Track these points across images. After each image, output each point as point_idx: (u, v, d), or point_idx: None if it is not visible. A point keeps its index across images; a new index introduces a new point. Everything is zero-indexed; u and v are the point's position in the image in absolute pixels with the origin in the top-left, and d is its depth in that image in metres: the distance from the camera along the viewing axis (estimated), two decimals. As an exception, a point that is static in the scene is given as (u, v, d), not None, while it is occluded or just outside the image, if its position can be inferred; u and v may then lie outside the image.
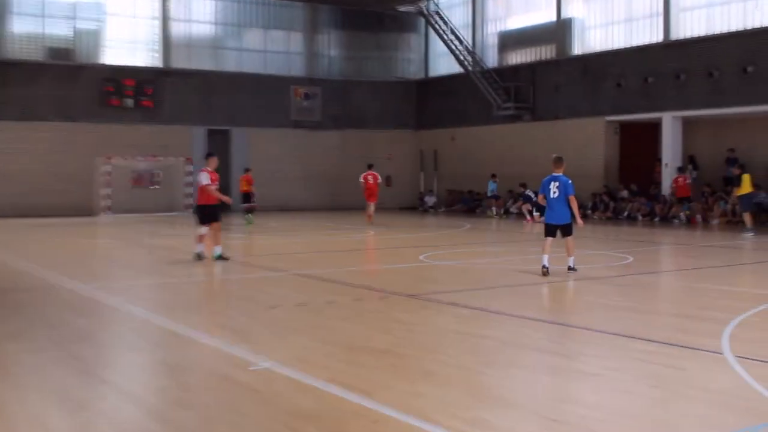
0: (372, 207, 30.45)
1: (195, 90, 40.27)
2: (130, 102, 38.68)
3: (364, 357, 8.37)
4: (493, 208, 36.94)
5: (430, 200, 42.30)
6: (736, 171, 26.36)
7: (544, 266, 15.20)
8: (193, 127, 40.03)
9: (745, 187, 25.66)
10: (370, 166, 31.82)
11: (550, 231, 15.61)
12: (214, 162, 18.07)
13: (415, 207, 43.01)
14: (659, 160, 34.32)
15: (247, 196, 30.99)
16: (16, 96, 36.92)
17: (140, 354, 8.92)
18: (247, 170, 31.67)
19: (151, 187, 38.71)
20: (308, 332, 9.77)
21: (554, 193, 15.32)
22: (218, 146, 40.86)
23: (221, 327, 10.26)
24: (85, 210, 37.09)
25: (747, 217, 25.63)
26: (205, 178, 17.78)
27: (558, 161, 15.48)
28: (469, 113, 41.37)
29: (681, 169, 31.90)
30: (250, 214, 30.74)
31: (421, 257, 18.50)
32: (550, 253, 15.33)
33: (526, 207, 33.20)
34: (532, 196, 31.85)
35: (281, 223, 31.25)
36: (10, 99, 36.91)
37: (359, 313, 11.17)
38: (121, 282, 14.88)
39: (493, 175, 37.37)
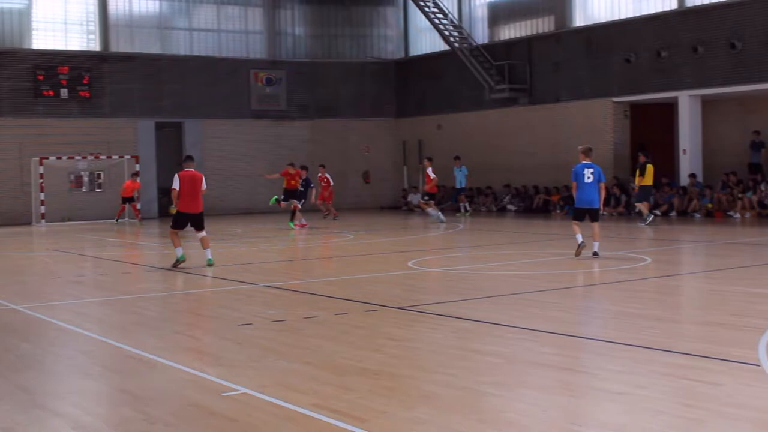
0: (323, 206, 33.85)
1: (139, 77, 40.19)
2: (64, 92, 38.55)
3: (353, 379, 8.44)
4: (462, 205, 37.03)
5: (416, 198, 42.45)
6: (641, 159, 28.50)
7: (581, 243, 18.19)
8: (139, 120, 39.95)
9: (648, 178, 28.17)
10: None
11: (580, 215, 18.56)
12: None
13: (398, 206, 43.15)
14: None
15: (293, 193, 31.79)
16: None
17: (97, 382, 8.95)
18: (304, 168, 33.21)
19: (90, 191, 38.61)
20: (288, 353, 9.84)
21: (588, 178, 18.23)
22: (169, 141, 40.84)
23: (187, 349, 10.31)
24: (14, 219, 36.94)
25: (644, 207, 28.47)
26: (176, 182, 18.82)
27: (589, 151, 18.49)
28: (457, 97, 41.54)
29: (429, 159, 33.64)
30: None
31: (409, 263, 18.61)
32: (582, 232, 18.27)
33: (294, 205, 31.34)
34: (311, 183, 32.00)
35: (245, 228, 31.26)
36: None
37: (344, 329, 11.24)
38: (67, 300, 14.88)
39: (458, 158, 37.34)
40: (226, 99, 41.90)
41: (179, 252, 18.76)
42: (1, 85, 37.71)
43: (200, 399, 7.87)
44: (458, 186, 37.00)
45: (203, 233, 19.06)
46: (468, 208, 36.76)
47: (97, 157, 38.25)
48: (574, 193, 18.66)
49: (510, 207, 37.73)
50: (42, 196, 37.09)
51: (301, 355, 9.64)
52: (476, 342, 10.27)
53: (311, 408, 7.37)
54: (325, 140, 43.73)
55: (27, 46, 38.84)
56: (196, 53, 41.97)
